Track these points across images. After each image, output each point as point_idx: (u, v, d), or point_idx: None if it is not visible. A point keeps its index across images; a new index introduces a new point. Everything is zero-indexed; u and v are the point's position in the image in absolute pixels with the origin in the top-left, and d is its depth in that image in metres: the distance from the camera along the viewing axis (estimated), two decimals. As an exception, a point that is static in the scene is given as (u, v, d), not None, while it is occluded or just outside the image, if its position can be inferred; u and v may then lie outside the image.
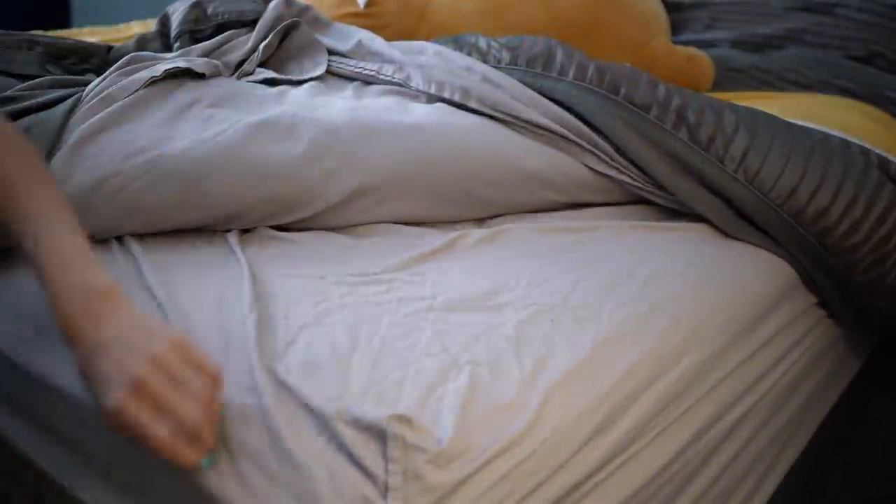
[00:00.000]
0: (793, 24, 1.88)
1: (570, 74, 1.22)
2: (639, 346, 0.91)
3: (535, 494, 0.78)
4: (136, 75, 1.19)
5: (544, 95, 1.20)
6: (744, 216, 1.15)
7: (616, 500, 0.87)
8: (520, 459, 0.76)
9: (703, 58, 1.68)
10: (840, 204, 1.13)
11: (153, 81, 1.18)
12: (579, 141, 1.16)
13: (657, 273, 1.02)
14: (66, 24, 3.35)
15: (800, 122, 1.27)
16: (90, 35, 1.87)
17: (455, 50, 1.33)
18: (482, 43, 1.34)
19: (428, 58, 1.28)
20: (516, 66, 1.27)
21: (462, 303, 0.93)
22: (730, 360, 1.03)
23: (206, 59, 1.30)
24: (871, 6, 1.86)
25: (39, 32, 1.55)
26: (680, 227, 1.15)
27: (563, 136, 1.16)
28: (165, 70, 1.20)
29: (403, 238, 1.09)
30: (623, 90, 1.18)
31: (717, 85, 1.70)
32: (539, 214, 1.17)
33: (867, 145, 1.29)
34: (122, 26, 2.05)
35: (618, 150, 1.16)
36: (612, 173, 1.17)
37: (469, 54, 1.31)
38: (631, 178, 1.17)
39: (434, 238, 1.09)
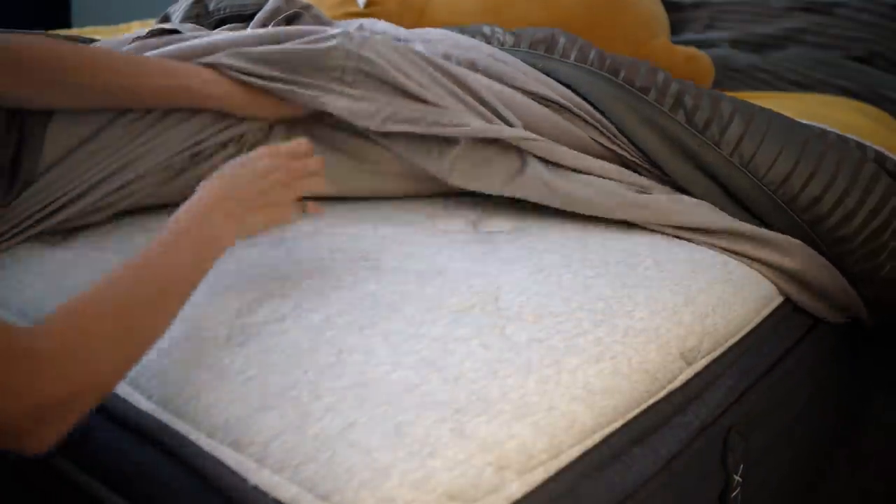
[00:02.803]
0: (793, 24, 1.88)
1: (572, 57, 1.24)
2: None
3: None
4: (122, 37, 1.22)
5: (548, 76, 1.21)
6: (739, 201, 1.16)
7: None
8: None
9: (703, 57, 1.69)
10: (833, 193, 1.13)
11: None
12: (584, 115, 1.17)
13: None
14: (66, 24, 3.36)
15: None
16: (91, 35, 1.88)
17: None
18: (486, 29, 1.36)
19: (433, 36, 1.29)
20: (519, 48, 1.28)
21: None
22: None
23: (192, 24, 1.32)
24: (871, 6, 1.86)
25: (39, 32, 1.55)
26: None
27: (568, 110, 1.17)
28: (149, 31, 1.22)
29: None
30: (623, 73, 1.20)
31: (717, 85, 1.70)
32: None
33: (864, 141, 1.30)
34: (122, 26, 2.05)
35: (619, 130, 1.17)
36: (615, 148, 1.18)
37: (473, 37, 1.32)
38: (630, 155, 1.18)
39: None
